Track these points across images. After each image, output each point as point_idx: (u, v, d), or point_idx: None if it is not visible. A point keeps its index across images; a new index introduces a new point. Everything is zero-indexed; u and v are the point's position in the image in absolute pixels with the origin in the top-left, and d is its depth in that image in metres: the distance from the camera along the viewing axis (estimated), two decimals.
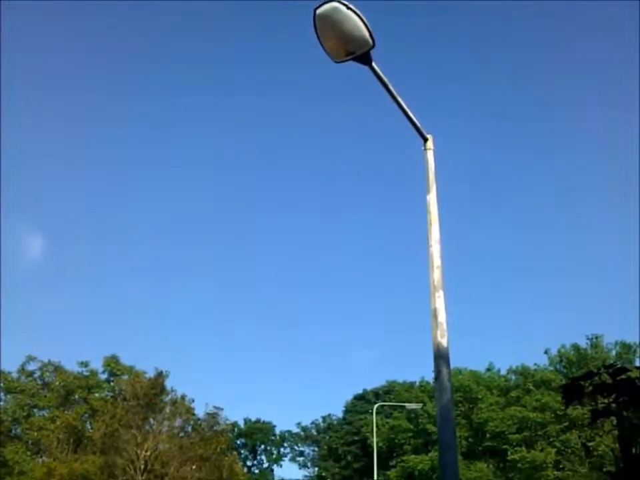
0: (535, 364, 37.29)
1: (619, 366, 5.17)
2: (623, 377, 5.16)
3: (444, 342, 6.94)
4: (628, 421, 5.58)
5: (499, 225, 73.01)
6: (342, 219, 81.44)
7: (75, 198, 76.34)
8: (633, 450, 5.72)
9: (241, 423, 60.96)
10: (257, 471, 60.62)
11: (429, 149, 8.19)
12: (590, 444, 31.28)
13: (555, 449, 31.70)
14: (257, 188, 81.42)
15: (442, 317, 7.16)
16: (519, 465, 30.82)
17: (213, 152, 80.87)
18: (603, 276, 65.95)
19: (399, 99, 8.21)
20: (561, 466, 30.53)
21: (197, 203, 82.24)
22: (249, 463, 60.62)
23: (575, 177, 71.03)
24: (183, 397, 25.97)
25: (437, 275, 7.39)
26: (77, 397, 28.67)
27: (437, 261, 7.44)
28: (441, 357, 6.84)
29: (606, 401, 5.35)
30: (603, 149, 70.05)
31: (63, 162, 74.31)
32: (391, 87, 7.77)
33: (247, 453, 61.51)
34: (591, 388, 5.29)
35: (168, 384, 25.84)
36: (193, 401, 26.29)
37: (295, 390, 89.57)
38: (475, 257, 70.46)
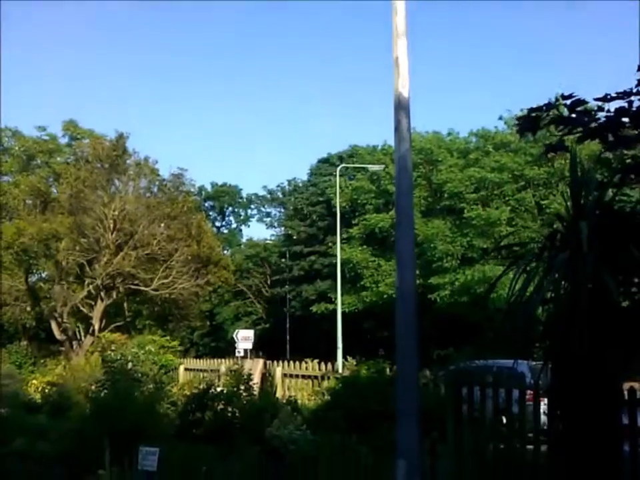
0: (495, 127, 37.67)
1: (579, 97, 5.04)
2: (581, 109, 5.07)
3: (405, 92, 6.72)
4: (580, 164, 5.62)
5: None
6: None
7: None
8: (582, 199, 5.87)
9: (208, 187, 62.16)
10: (225, 231, 63.14)
11: None
12: (543, 202, 32.69)
13: (510, 207, 33.09)
14: None
15: (404, 66, 6.86)
16: (474, 221, 32.28)
17: None
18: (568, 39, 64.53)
19: None
20: (513, 223, 32.03)
21: None
22: (217, 224, 62.89)
23: None
24: (146, 159, 25.93)
25: (400, 20, 6.95)
26: (38, 161, 28.41)
27: (400, 4, 6.95)
28: (401, 107, 6.67)
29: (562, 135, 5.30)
30: None
31: None
32: None
33: (215, 215, 63.54)
34: (547, 119, 5.19)
35: (130, 146, 25.66)
36: (157, 162, 26.36)
37: (260, 154, 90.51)
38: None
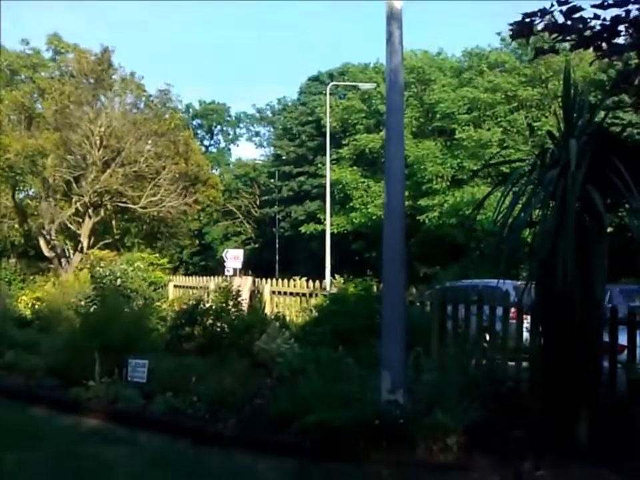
0: (489, 45, 37.02)
1: (574, 4, 4.92)
2: (577, 16, 4.95)
3: (397, 2, 6.50)
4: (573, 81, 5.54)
5: None
6: None
7: None
8: (574, 120, 5.81)
9: (196, 105, 61.17)
10: (214, 151, 62.53)
11: None
12: (535, 124, 32.52)
13: (502, 129, 32.91)
14: None
15: None
16: (466, 143, 32.11)
17: None
18: None
19: None
20: (505, 144, 31.91)
21: None
22: (206, 143, 62.19)
23: None
24: (132, 74, 25.28)
25: None
26: (22, 76, 27.64)
27: None
28: (393, 18, 6.45)
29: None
30: None
31: None
32: None
33: (204, 134, 62.75)
34: (541, 25, 5.09)
35: (115, 61, 25.00)
36: (143, 77, 25.75)
37: (249, 72, 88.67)
38: None
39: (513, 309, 7.90)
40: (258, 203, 51.62)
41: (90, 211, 24.57)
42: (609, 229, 5.59)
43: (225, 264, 19.26)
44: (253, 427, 6.42)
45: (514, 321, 7.87)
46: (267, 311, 13.73)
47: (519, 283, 8.67)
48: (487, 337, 8.07)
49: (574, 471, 5.01)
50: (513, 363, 7.66)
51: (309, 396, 6.19)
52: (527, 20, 5.07)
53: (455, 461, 5.43)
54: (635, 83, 5.77)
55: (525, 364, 7.43)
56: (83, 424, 7.13)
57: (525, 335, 7.46)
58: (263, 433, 6.26)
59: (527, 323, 7.34)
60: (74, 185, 24.41)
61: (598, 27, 4.92)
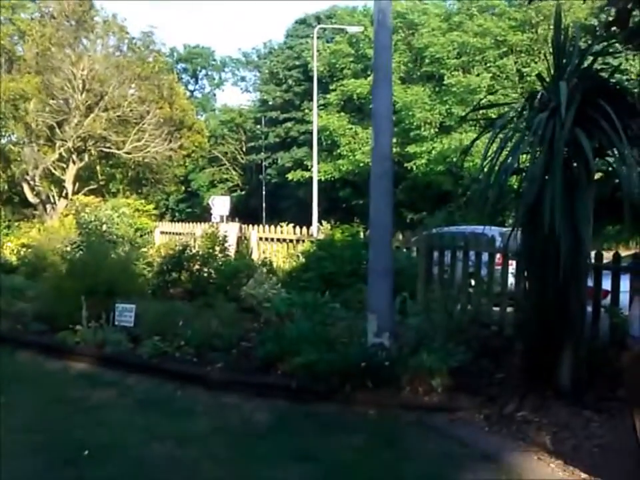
0: None
1: None
2: None
3: None
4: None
5: None
6: None
7: None
8: (564, 64, 5.73)
9: (181, 50, 59.96)
10: (199, 96, 61.56)
11: None
12: (524, 70, 32.22)
13: (491, 74, 32.56)
14: None
15: None
16: (455, 88, 31.78)
17: None
18: None
19: None
20: (494, 90, 31.58)
21: None
22: (191, 88, 61.16)
23: None
24: (114, 16, 24.66)
25: None
26: (2, 18, 26.84)
27: None
28: None
29: None
30: None
31: None
32: None
33: (189, 78, 61.66)
34: None
35: (97, 3, 24.38)
36: (125, 19, 25.19)
37: (234, 14, 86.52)
38: None
39: (498, 255, 7.96)
40: (244, 149, 51.14)
41: (74, 156, 24.26)
42: (596, 176, 5.59)
43: (212, 211, 19.14)
44: (240, 369, 6.48)
45: (499, 267, 7.93)
46: (254, 257, 13.70)
47: (505, 229, 8.71)
48: (473, 282, 8.15)
49: (556, 412, 5.12)
50: (497, 308, 7.76)
51: (296, 339, 6.24)
52: None
53: (440, 402, 5.52)
54: (630, 25, 5.68)
55: (509, 309, 7.52)
56: (71, 368, 7.17)
57: (510, 280, 7.53)
58: (250, 375, 6.33)
59: (512, 269, 7.40)
60: (57, 130, 24.02)
61: None
